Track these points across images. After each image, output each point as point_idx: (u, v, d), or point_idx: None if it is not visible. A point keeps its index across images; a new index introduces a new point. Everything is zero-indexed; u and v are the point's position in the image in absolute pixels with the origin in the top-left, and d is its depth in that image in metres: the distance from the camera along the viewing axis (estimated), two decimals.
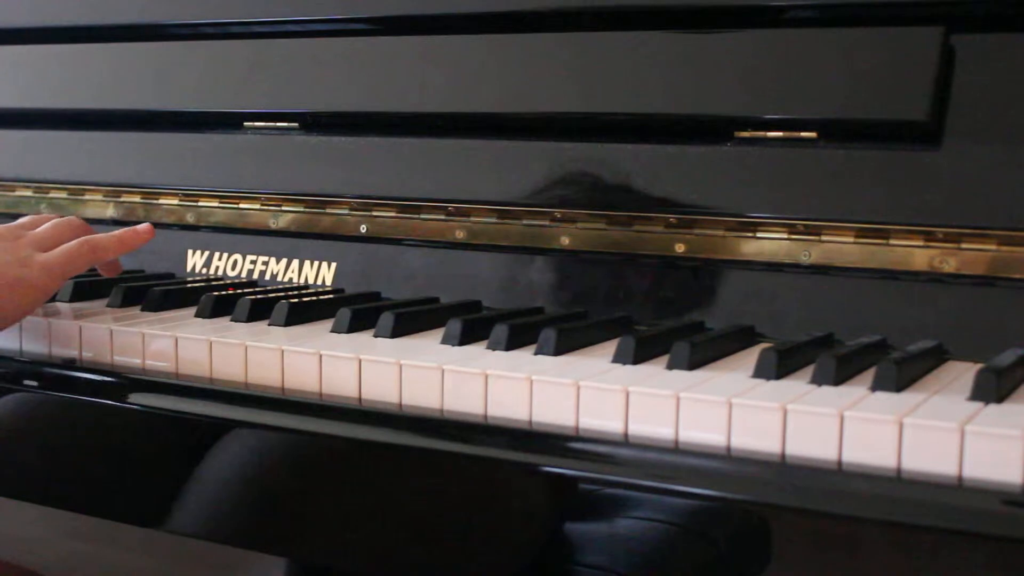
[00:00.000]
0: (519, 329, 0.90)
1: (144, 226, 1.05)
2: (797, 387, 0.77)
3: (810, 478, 0.69)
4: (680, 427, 0.74)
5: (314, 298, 1.06)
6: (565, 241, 1.05)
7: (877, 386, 0.76)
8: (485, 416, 0.80)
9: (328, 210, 1.17)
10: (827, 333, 0.92)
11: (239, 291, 1.08)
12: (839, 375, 0.77)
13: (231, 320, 1.01)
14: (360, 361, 0.85)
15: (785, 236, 0.97)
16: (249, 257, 1.21)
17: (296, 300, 1.01)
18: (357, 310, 0.97)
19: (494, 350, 0.89)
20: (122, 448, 0.96)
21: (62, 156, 1.34)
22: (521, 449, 0.77)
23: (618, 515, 0.75)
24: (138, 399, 0.92)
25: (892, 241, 0.93)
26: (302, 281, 1.17)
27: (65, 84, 1.36)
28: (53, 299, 1.11)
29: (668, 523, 0.73)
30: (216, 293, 1.04)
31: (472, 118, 1.12)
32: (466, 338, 0.91)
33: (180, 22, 1.30)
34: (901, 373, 0.76)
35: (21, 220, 1.07)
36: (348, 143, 1.17)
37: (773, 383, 0.78)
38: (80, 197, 1.31)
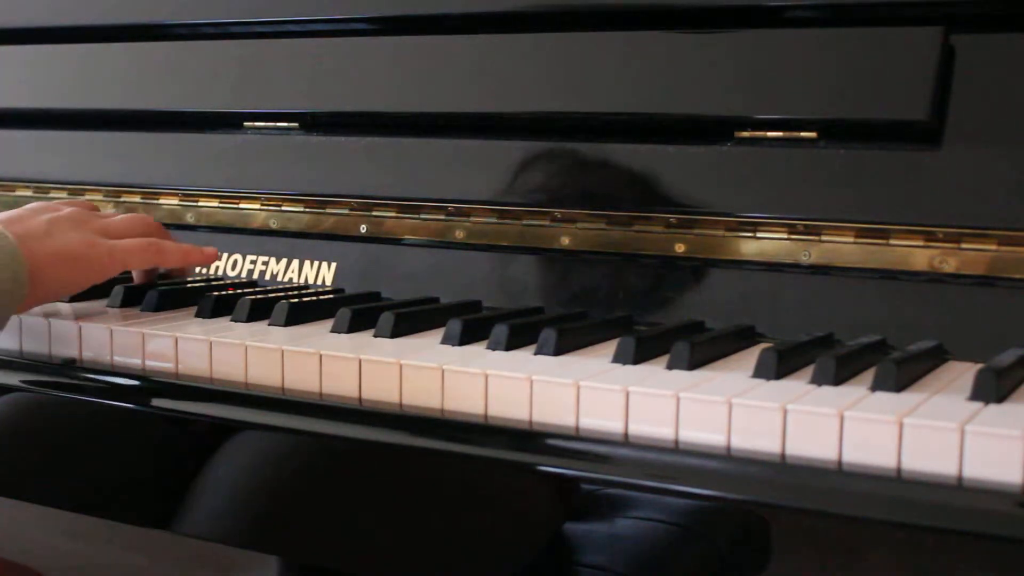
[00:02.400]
0: (519, 329, 0.90)
1: (211, 250, 1.08)
2: (797, 387, 0.77)
3: (810, 478, 0.69)
4: (680, 427, 0.74)
5: (314, 298, 1.06)
6: (565, 241, 1.05)
7: (877, 386, 0.76)
8: (485, 416, 0.80)
9: (328, 210, 1.17)
10: (827, 333, 0.92)
11: (239, 291, 1.08)
12: (839, 375, 0.77)
13: (231, 320, 1.01)
14: (360, 361, 0.85)
15: (785, 236, 0.97)
16: (249, 257, 1.21)
17: (296, 300, 1.01)
18: (357, 310, 0.97)
19: (494, 350, 0.89)
20: (122, 448, 0.96)
21: (62, 156, 1.34)
22: (521, 449, 0.77)
23: (618, 515, 0.75)
24: (138, 399, 0.92)
25: (892, 241, 0.93)
26: (302, 281, 1.17)
27: (65, 84, 1.36)
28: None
29: (668, 523, 0.73)
30: (216, 293, 1.04)
31: (472, 118, 1.13)
32: (466, 338, 0.91)
33: (180, 22, 1.30)
34: (901, 373, 0.76)
35: (100, 212, 1.08)
36: (348, 143, 1.17)
37: (773, 383, 0.78)
38: (80, 197, 1.31)
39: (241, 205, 1.22)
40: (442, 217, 1.11)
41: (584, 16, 1.10)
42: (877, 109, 0.95)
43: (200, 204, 1.24)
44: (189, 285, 1.14)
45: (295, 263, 1.18)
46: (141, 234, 1.04)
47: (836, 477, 0.69)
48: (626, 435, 0.75)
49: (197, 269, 1.22)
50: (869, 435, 0.69)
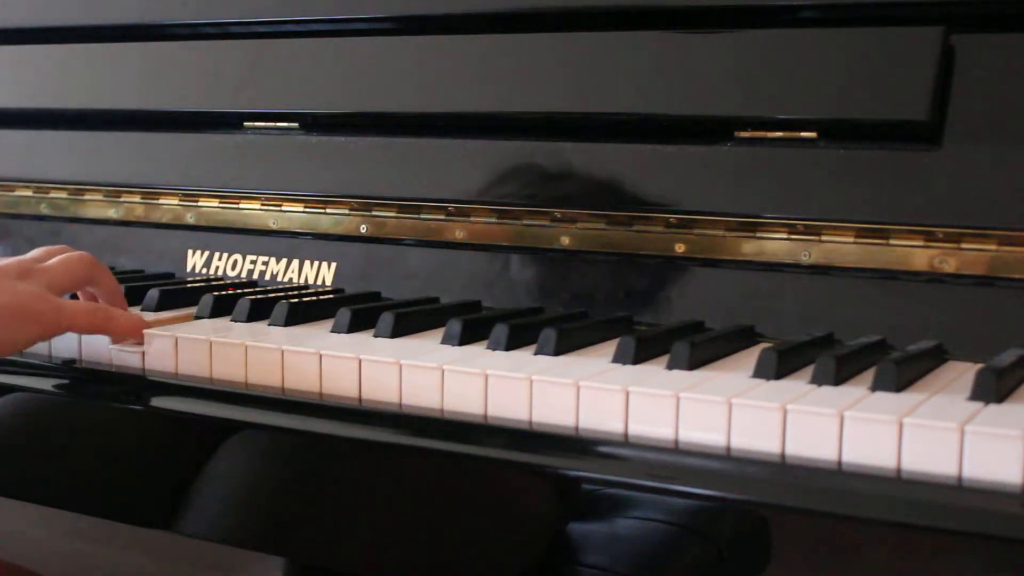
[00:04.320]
0: (519, 329, 0.90)
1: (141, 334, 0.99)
2: (797, 387, 0.77)
3: (810, 478, 0.69)
4: (680, 427, 0.74)
5: (314, 298, 1.06)
6: (565, 241, 1.05)
7: (877, 386, 0.76)
8: (485, 416, 0.80)
9: (328, 210, 1.17)
10: (827, 333, 0.92)
11: (239, 291, 1.08)
12: (839, 375, 0.77)
13: (231, 320, 1.01)
14: (360, 361, 0.85)
15: (785, 236, 0.97)
16: (249, 257, 1.21)
17: (296, 300, 1.01)
18: (357, 310, 0.97)
19: (494, 350, 0.89)
20: (122, 448, 0.96)
21: (62, 156, 1.34)
22: (521, 449, 0.77)
23: (618, 515, 0.75)
24: (138, 399, 0.92)
25: (892, 241, 0.93)
26: (302, 281, 1.17)
27: (65, 84, 1.36)
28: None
29: (668, 523, 0.73)
30: (216, 293, 1.04)
31: (472, 118, 1.12)
32: (466, 338, 0.91)
33: (180, 22, 1.30)
34: (901, 373, 0.76)
35: (32, 253, 1.02)
36: (348, 143, 1.17)
37: (773, 383, 0.78)
38: (80, 197, 1.31)
39: (241, 205, 1.22)
40: (442, 217, 1.11)
41: (584, 16, 1.10)
42: (877, 109, 0.95)
43: (200, 204, 1.24)
44: (189, 285, 1.14)
45: (295, 263, 1.18)
46: (82, 277, 0.98)
47: (836, 477, 0.69)
48: (626, 435, 0.75)
49: (190, 266, 1.22)
50: (869, 435, 0.69)
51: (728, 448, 0.72)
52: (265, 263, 1.20)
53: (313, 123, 1.21)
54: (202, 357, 0.91)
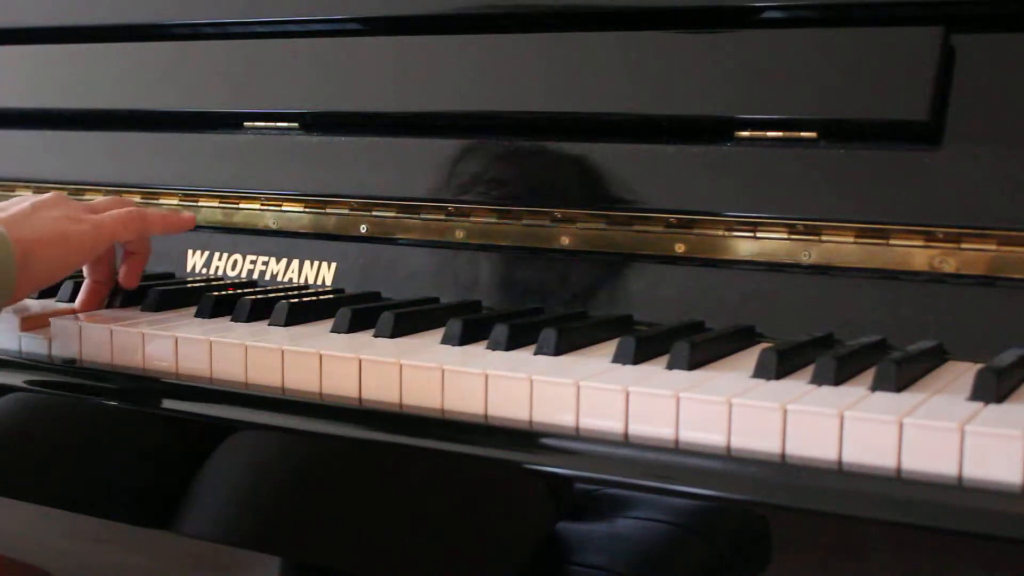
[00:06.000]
0: (519, 329, 0.90)
1: (189, 216, 1.10)
2: (797, 387, 0.77)
3: (810, 478, 0.69)
4: (680, 427, 0.74)
5: (314, 298, 1.06)
6: (565, 241, 1.05)
7: (877, 386, 0.76)
8: (485, 416, 0.80)
9: (328, 210, 1.17)
10: (827, 333, 0.92)
11: (239, 291, 1.08)
12: (839, 375, 0.77)
13: (231, 320, 1.01)
14: (360, 361, 0.85)
15: (785, 236, 0.97)
16: (249, 257, 1.21)
17: (296, 300, 1.01)
18: (357, 310, 0.97)
19: (494, 350, 0.89)
20: (122, 448, 0.96)
21: (62, 156, 1.34)
22: (521, 449, 0.77)
23: (618, 515, 0.75)
24: (138, 399, 0.92)
25: (892, 241, 0.93)
26: (302, 281, 1.17)
27: (65, 84, 1.36)
28: (53, 298, 1.11)
29: (668, 523, 0.73)
30: (216, 293, 1.04)
31: (471, 118, 1.13)
32: (466, 338, 0.91)
33: (180, 22, 1.30)
34: (901, 373, 0.76)
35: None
36: (348, 143, 1.17)
37: (773, 383, 0.78)
38: (80, 197, 1.31)
39: (241, 205, 1.22)
40: (442, 217, 1.11)
41: (584, 16, 1.10)
42: (877, 109, 0.95)
43: (200, 204, 1.24)
44: (189, 285, 1.14)
45: (295, 263, 1.18)
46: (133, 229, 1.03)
47: (836, 477, 0.69)
48: (626, 435, 0.75)
49: (190, 266, 1.22)
50: (869, 435, 0.69)
51: (728, 448, 0.72)
52: (265, 263, 1.20)
53: (313, 123, 1.21)
54: (202, 357, 0.91)
